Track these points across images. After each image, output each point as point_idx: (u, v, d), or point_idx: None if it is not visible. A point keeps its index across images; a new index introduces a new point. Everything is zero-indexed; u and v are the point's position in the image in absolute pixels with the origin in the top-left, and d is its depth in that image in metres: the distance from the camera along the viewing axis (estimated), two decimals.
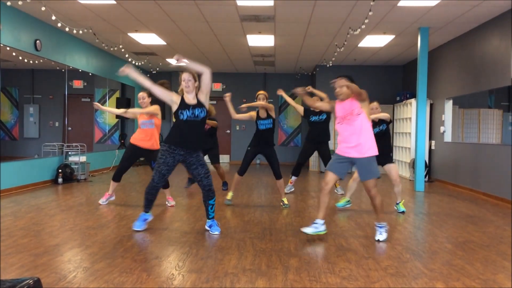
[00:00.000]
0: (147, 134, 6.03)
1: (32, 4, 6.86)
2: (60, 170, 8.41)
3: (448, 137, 9.43)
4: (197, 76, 4.50)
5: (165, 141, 4.49)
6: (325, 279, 3.28)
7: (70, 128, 9.33)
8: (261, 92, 6.29)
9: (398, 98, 11.51)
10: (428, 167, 9.96)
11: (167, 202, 6.31)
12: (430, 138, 10.10)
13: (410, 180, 10.05)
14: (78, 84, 9.97)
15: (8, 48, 7.18)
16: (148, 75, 12.28)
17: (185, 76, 4.47)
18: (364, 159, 4.36)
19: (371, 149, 4.38)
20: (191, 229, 4.80)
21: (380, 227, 4.48)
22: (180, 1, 6.90)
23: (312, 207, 6.35)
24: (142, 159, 10.64)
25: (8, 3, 6.22)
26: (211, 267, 3.51)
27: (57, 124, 9.63)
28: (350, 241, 4.43)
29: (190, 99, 4.48)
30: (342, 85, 4.38)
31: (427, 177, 9.82)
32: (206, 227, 4.77)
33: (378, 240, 4.40)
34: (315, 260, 3.77)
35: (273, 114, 6.19)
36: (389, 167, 6.00)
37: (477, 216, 5.91)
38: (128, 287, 3.06)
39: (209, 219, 4.74)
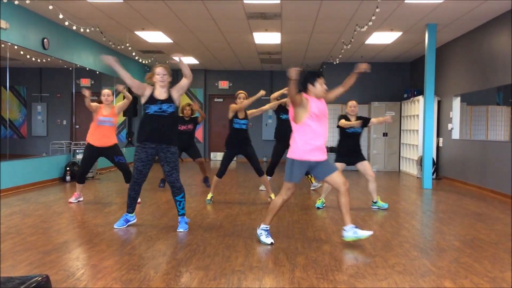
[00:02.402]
0: (105, 134, 5.95)
1: (39, 3, 6.90)
2: (68, 168, 8.46)
3: (456, 135, 9.36)
4: (171, 72, 4.64)
5: (136, 140, 4.62)
6: (332, 277, 3.28)
7: (77, 126, 9.37)
8: (241, 92, 6.35)
9: (405, 95, 11.45)
10: (436, 164, 9.90)
11: None
12: (438, 136, 10.04)
13: (417, 177, 10.01)
14: (85, 82, 10.02)
15: (16, 47, 7.23)
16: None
17: (160, 70, 4.56)
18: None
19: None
20: (198, 227, 4.81)
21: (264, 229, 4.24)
22: None
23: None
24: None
25: (16, 2, 6.25)
26: (218, 265, 3.52)
27: (64, 122, 9.68)
28: None
29: (161, 93, 4.57)
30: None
31: (434, 174, 9.76)
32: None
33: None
34: (322, 257, 3.76)
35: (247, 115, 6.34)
36: (362, 164, 5.96)
37: (485, 213, 5.87)
38: (135, 284, 3.08)
39: (179, 215, 4.73)
